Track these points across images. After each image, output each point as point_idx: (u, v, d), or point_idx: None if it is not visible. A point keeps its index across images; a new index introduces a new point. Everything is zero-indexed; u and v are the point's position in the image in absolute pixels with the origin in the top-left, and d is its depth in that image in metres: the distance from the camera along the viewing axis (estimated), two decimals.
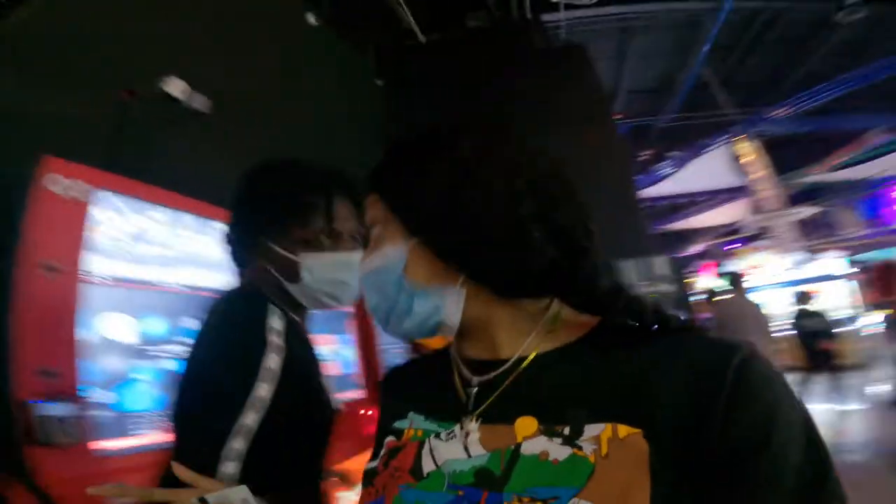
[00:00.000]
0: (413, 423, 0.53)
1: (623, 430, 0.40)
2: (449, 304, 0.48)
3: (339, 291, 0.88)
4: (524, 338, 0.49)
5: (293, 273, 0.85)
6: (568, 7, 4.70)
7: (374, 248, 0.52)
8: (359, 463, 2.03)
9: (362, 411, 2.27)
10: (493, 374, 0.49)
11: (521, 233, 0.44)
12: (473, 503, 0.42)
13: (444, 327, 0.49)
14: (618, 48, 9.81)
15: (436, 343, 0.59)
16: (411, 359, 0.64)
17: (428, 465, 0.47)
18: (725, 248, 17.30)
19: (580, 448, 0.40)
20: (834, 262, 9.60)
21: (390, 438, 0.53)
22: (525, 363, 0.48)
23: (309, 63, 2.90)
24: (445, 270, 0.47)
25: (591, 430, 0.41)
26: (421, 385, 0.58)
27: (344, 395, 2.23)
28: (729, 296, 4.58)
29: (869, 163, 14.15)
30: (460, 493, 0.43)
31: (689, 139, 13.99)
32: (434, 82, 4.09)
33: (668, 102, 12.39)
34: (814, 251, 11.41)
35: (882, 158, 13.74)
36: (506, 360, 0.49)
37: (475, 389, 0.50)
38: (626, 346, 0.45)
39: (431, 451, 0.48)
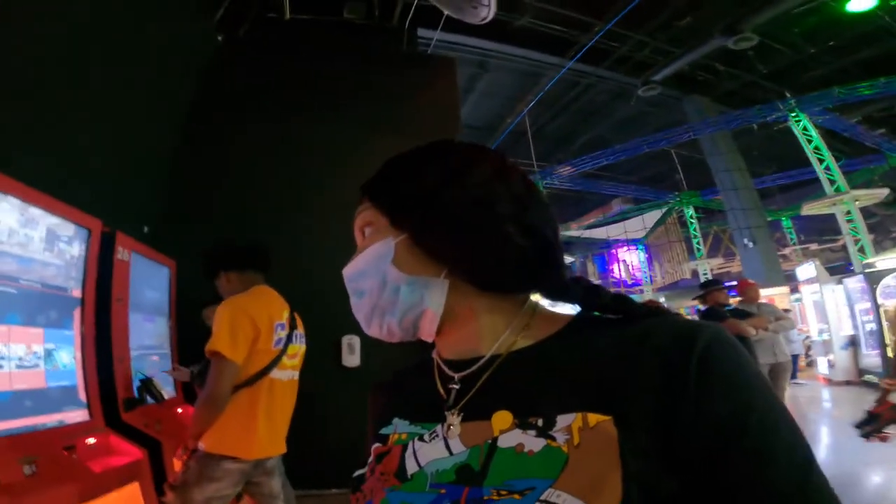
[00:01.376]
0: (397, 428, 0.53)
1: (593, 418, 0.40)
2: (433, 293, 0.50)
3: None
4: (502, 331, 0.51)
5: None
6: (446, 28, 4.80)
7: (361, 249, 0.54)
8: None
9: (89, 441, 1.72)
10: (471, 369, 0.50)
11: (497, 229, 0.48)
12: (455, 500, 0.42)
13: (427, 317, 0.51)
14: (468, 80, 10.56)
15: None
16: (396, 371, 0.64)
17: (412, 467, 0.48)
18: None
19: (553, 439, 0.41)
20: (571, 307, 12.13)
21: (376, 445, 0.53)
22: (501, 359, 0.49)
23: None
24: (430, 263, 0.50)
25: (563, 420, 0.41)
26: (404, 392, 0.59)
27: (54, 417, 1.65)
28: None
29: (613, 225, 18.73)
30: (442, 491, 0.44)
31: None
32: (284, 57, 3.71)
33: (489, 142, 13.92)
34: None
35: (622, 223, 18.40)
36: (483, 357, 0.50)
37: (456, 387, 0.51)
38: (596, 336, 0.47)
39: (415, 452, 0.49)
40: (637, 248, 19.71)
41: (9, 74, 1.78)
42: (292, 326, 1.94)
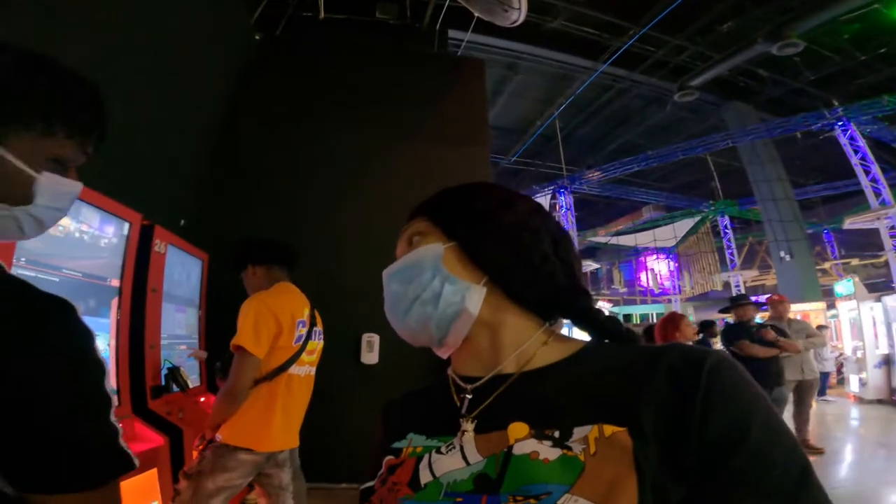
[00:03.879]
0: (412, 442, 0.55)
1: (609, 429, 0.42)
2: (473, 295, 0.54)
3: (52, 223, 0.65)
4: (522, 346, 0.54)
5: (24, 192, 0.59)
6: (476, 30, 4.81)
7: (409, 251, 0.58)
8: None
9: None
10: (485, 378, 0.53)
11: (538, 248, 0.55)
12: None
13: (462, 318, 0.54)
14: (498, 83, 10.47)
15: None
16: (408, 392, 0.66)
17: (426, 477, 0.49)
18: None
19: (570, 448, 0.43)
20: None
21: (389, 457, 0.55)
22: (515, 375, 0.52)
23: None
24: (473, 270, 0.55)
25: (579, 431, 0.43)
26: (420, 409, 0.61)
27: None
28: None
29: (642, 233, 18.28)
30: (459, 500, 0.45)
31: (522, 183, 15.89)
32: (318, 57, 3.78)
33: (517, 144, 13.78)
34: None
35: (652, 231, 17.92)
36: (500, 372, 0.54)
37: (469, 396, 0.53)
38: (610, 357, 0.50)
39: (431, 464, 0.50)
40: (667, 257, 19.20)
41: None
42: (312, 323, 2.00)
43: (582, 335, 0.59)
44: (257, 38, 3.69)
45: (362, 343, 3.56)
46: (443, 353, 0.57)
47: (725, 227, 16.37)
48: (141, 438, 1.88)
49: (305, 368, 1.97)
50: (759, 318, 4.38)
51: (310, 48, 3.93)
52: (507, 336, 0.55)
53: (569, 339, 0.56)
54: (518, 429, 0.47)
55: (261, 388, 1.80)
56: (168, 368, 2.32)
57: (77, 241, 1.75)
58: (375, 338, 3.58)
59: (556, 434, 0.44)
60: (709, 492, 0.39)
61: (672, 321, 3.68)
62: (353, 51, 3.96)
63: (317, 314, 2.07)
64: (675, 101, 10.34)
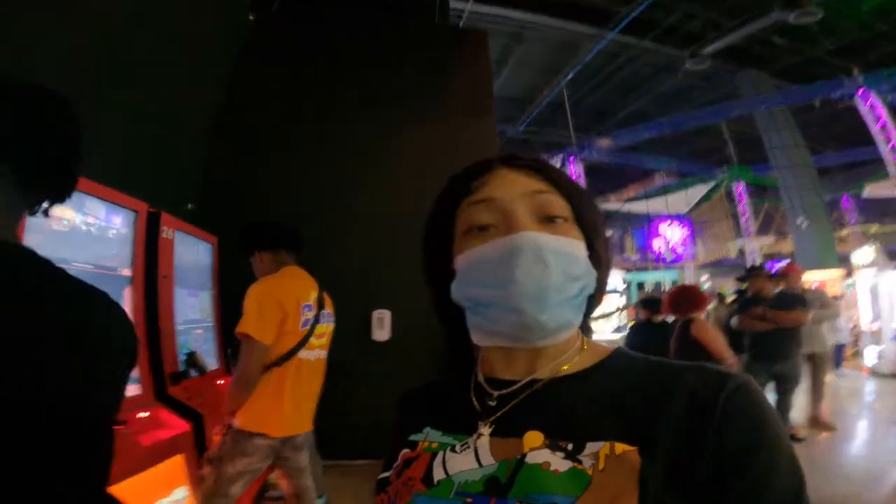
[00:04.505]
0: (429, 437, 0.55)
1: (620, 447, 0.43)
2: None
3: None
4: (565, 353, 0.54)
5: None
6: None
7: (560, 233, 0.53)
8: (132, 490, 1.71)
9: (140, 415, 1.84)
10: (518, 385, 0.53)
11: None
12: None
13: (586, 302, 0.54)
14: (501, 52, 10.18)
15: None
16: (429, 382, 0.66)
17: (438, 475, 0.50)
18: None
19: (580, 462, 0.44)
20: (614, 278, 11.72)
21: (405, 451, 0.55)
22: (542, 382, 0.52)
23: None
24: None
25: (591, 447, 0.44)
26: (440, 403, 0.60)
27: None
28: None
29: (654, 199, 18.02)
30: (469, 500, 0.46)
31: (530, 152, 15.63)
32: (315, 34, 3.68)
33: (525, 113, 13.50)
34: None
35: (664, 197, 17.69)
36: (534, 378, 0.53)
37: (493, 403, 0.53)
38: (633, 372, 0.51)
39: (444, 461, 0.51)
40: (680, 224, 18.95)
41: (55, 72, 1.86)
42: (320, 307, 2.01)
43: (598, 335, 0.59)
44: (251, 18, 3.57)
45: (373, 320, 3.59)
46: (533, 345, 0.52)
47: (741, 193, 16.00)
48: (165, 425, 1.94)
49: (315, 353, 1.99)
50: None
51: (306, 25, 3.82)
52: (561, 343, 0.53)
53: (597, 345, 0.56)
54: (533, 438, 0.48)
55: (271, 374, 1.83)
56: (186, 354, 2.36)
57: (84, 234, 1.76)
58: (386, 314, 3.61)
59: (570, 447, 0.45)
60: None
61: (686, 296, 3.64)
62: (352, 26, 3.84)
63: (326, 297, 2.08)
64: (687, 70, 9.97)
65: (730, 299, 5.66)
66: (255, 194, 3.37)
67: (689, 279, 18.09)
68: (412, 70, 3.79)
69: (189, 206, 3.00)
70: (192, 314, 2.69)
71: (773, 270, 4.65)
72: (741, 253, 16.56)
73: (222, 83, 3.38)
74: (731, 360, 3.54)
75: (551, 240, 0.50)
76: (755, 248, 15.98)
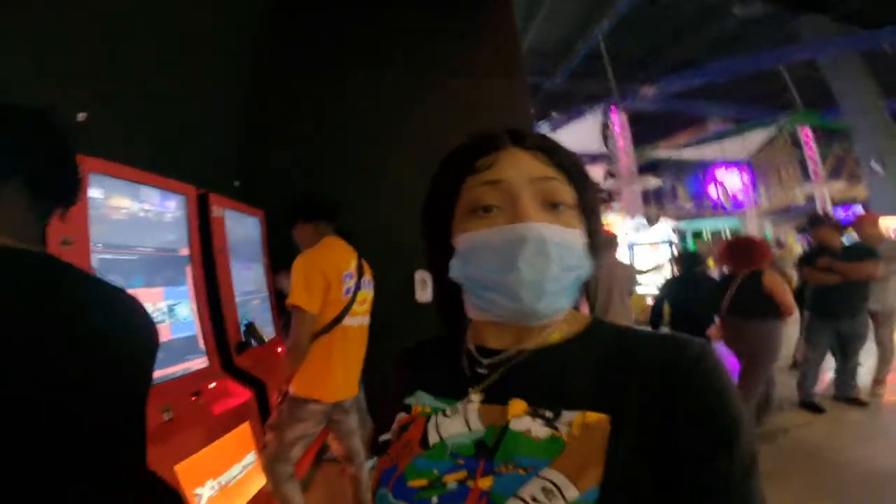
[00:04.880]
0: (420, 400, 0.59)
1: (591, 416, 0.48)
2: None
3: None
4: (547, 327, 0.55)
5: None
6: None
7: (563, 223, 0.53)
8: (209, 458, 1.86)
9: (211, 386, 1.98)
10: (507, 354, 0.55)
11: None
12: (472, 469, 0.49)
13: (581, 285, 0.56)
14: (528, 6, 9.59)
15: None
16: (421, 341, 0.68)
17: (433, 438, 0.54)
18: None
19: (557, 429, 0.48)
20: (665, 228, 11.09)
21: (402, 414, 0.59)
22: (529, 352, 0.55)
23: None
24: None
25: (567, 415, 0.49)
26: (430, 366, 0.63)
27: (181, 367, 1.90)
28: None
29: (707, 145, 16.90)
30: (461, 461, 0.50)
31: (570, 104, 14.92)
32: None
33: (560, 66, 12.76)
34: (650, 218, 13.33)
35: (719, 143, 16.56)
36: (521, 348, 0.56)
37: (483, 371, 0.56)
38: (607, 343, 0.54)
39: (437, 425, 0.54)
40: (738, 169, 17.69)
41: (91, 77, 1.93)
42: (360, 274, 2.08)
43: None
44: None
45: (416, 281, 3.64)
46: (526, 323, 0.54)
47: (807, 138, 14.67)
48: (232, 394, 2.09)
49: (358, 319, 2.08)
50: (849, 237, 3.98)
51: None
52: (550, 324, 0.56)
53: (578, 315, 0.58)
54: (517, 406, 0.51)
55: (319, 342, 1.93)
56: (245, 324, 2.52)
57: (143, 220, 1.88)
58: (428, 276, 3.65)
59: (549, 415, 0.50)
60: (672, 474, 0.45)
61: (749, 249, 3.43)
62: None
63: (364, 264, 2.15)
64: (736, 16, 8.94)
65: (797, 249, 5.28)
66: (293, 166, 3.43)
67: (751, 227, 17.11)
68: (436, 31, 3.62)
69: (235, 183, 3.11)
70: (247, 286, 2.85)
71: (846, 220, 4.26)
72: (810, 199, 15.33)
73: (247, 65, 3.38)
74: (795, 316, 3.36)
75: (555, 231, 0.52)
76: (825, 194, 14.72)
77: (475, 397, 0.55)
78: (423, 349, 0.68)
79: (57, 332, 0.67)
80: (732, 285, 3.37)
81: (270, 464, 1.91)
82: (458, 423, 0.54)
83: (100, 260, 1.61)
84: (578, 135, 14.96)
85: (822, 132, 15.04)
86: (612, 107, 13.69)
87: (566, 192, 0.54)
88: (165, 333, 1.88)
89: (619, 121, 13.90)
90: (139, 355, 0.81)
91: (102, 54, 2.00)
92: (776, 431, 3.48)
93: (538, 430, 0.49)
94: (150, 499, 0.78)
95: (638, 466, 0.46)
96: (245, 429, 2.04)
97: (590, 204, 0.57)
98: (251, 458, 2.07)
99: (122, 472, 0.74)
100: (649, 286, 9.28)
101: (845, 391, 3.95)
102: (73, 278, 0.76)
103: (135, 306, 0.83)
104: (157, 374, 1.76)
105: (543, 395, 0.51)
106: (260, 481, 2.06)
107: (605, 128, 14.93)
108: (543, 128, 14.95)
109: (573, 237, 0.54)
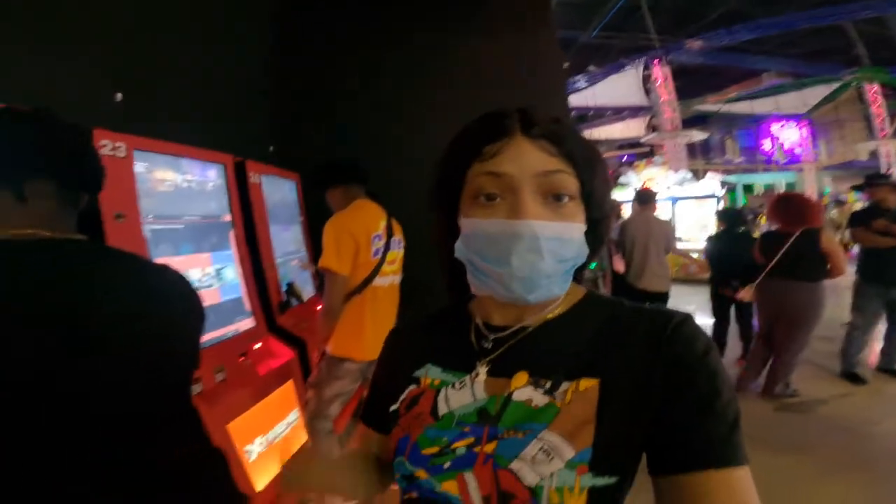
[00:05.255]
0: (430, 373, 0.63)
1: (584, 383, 0.53)
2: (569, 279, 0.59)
3: None
4: (547, 305, 0.60)
5: None
6: None
7: (563, 216, 0.55)
8: (257, 416, 1.96)
9: (256, 346, 2.08)
10: (511, 331, 0.60)
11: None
12: (478, 436, 0.54)
13: (576, 273, 0.60)
14: None
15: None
16: (424, 315, 0.72)
17: (443, 409, 0.59)
18: (624, 160, 18.65)
19: (554, 398, 0.53)
20: (712, 182, 10.51)
21: (412, 387, 0.63)
22: (532, 328, 0.60)
23: None
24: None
25: (564, 385, 0.54)
26: (438, 341, 0.67)
27: (231, 328, 2.00)
28: (638, 213, 4.12)
29: (760, 100, 15.72)
30: (466, 429, 0.55)
31: (607, 57, 14.04)
32: None
33: (596, 19, 11.96)
34: (696, 172, 12.67)
35: (773, 98, 15.39)
36: (518, 326, 0.60)
37: (489, 345, 0.60)
38: (599, 314, 0.59)
39: (447, 398, 0.59)
40: (796, 124, 16.43)
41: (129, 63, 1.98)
42: (389, 234, 2.12)
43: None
44: None
45: None
46: (523, 303, 0.57)
47: (874, 94, 13.45)
48: (276, 354, 2.22)
49: (389, 279, 2.13)
50: None
51: None
52: (556, 301, 0.61)
53: (575, 288, 0.62)
54: (519, 378, 0.57)
55: (352, 303, 2.00)
56: (287, 284, 2.64)
57: (186, 191, 1.97)
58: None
59: (548, 385, 0.55)
60: (661, 434, 0.50)
61: (802, 207, 3.26)
62: None
63: (394, 223, 2.19)
64: None
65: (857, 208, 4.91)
66: (326, 131, 3.45)
67: (808, 182, 16.13)
68: None
69: (271, 148, 3.17)
70: (288, 247, 2.94)
71: None
72: (873, 156, 14.17)
73: (276, 33, 3.35)
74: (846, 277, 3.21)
75: (550, 228, 0.54)
76: (891, 151, 13.56)
77: (482, 370, 0.59)
78: (427, 322, 0.71)
79: (103, 310, 0.75)
80: (781, 244, 3.22)
81: (311, 421, 2.03)
82: (465, 395, 0.58)
83: (151, 230, 1.71)
84: (618, 88, 14.20)
85: (891, 89, 13.77)
86: (656, 60, 12.83)
87: (570, 183, 0.55)
88: (215, 297, 2.00)
89: (661, 74, 13.05)
90: (181, 327, 0.88)
91: (141, 41, 2.05)
92: (812, 401, 3.40)
93: (538, 398, 0.54)
94: (198, 462, 0.87)
95: (628, 426, 0.50)
96: (289, 387, 2.17)
97: (595, 192, 0.58)
98: (294, 415, 2.20)
99: (171, 434, 0.83)
100: (692, 242, 9.01)
101: (888, 363, 3.80)
102: (113, 258, 0.84)
103: (177, 280, 0.89)
104: (210, 335, 1.91)
105: (543, 366, 0.56)
106: (303, 437, 2.19)
107: (647, 81, 14.08)
108: (580, 82, 14.19)
109: (571, 231, 0.55)
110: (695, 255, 7.35)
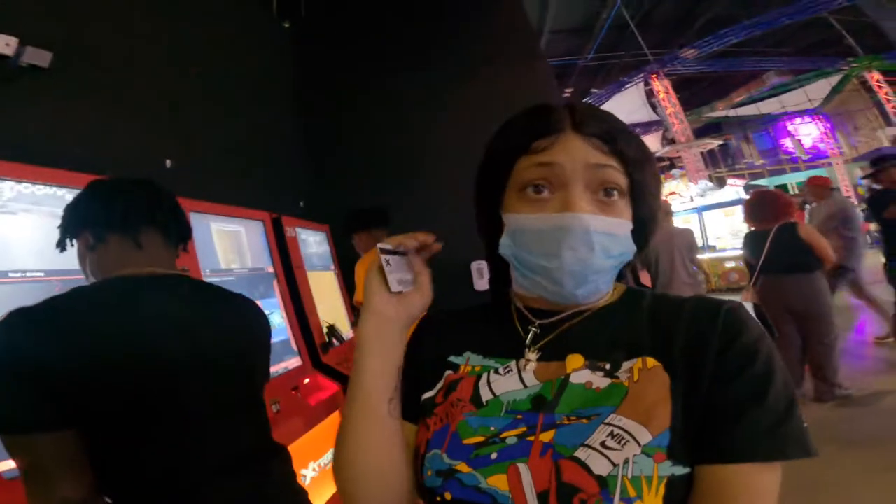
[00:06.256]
0: (470, 360, 0.60)
1: (651, 361, 0.50)
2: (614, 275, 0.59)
3: None
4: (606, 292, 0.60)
5: None
6: None
7: (612, 212, 0.55)
8: (309, 443, 2.05)
9: (305, 381, 2.23)
10: (562, 316, 0.58)
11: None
12: (531, 425, 0.50)
13: (624, 266, 0.59)
14: None
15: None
16: (450, 310, 0.70)
17: (486, 395, 0.55)
18: None
19: (618, 378, 0.50)
20: (735, 189, 10.27)
21: (449, 372, 0.60)
22: (584, 315, 0.58)
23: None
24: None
25: (626, 364, 0.51)
26: (475, 327, 0.65)
27: (281, 366, 2.18)
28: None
29: (768, 100, 15.68)
30: (519, 416, 0.51)
31: (607, 77, 14.42)
32: (349, 20, 3.74)
33: (589, 43, 12.47)
34: (717, 179, 12.57)
35: (777, 98, 15.36)
36: (565, 310, 0.58)
37: (536, 330, 0.58)
38: (648, 303, 0.58)
39: (489, 383, 0.56)
40: (812, 120, 16.22)
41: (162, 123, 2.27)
42: None
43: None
44: (286, 25, 3.70)
45: (473, 271, 3.77)
46: (571, 300, 0.57)
47: (877, 82, 13.38)
48: (324, 388, 2.36)
49: None
50: None
51: (337, 17, 3.88)
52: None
53: (617, 284, 0.62)
54: (574, 360, 0.54)
55: None
56: (328, 327, 2.80)
57: (234, 246, 2.19)
58: (484, 264, 3.76)
59: (608, 367, 0.52)
60: (714, 416, 0.47)
61: (766, 203, 3.30)
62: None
63: None
64: None
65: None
66: (349, 178, 3.70)
67: (840, 175, 15.72)
68: (458, 27, 3.72)
69: (301, 204, 3.43)
70: (325, 292, 3.13)
71: None
72: (895, 140, 13.84)
73: (283, 94, 3.65)
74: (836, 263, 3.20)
75: (601, 222, 0.53)
76: None
77: (532, 356, 0.56)
78: (461, 314, 0.69)
79: (204, 327, 1.01)
80: (763, 242, 3.25)
81: None
82: (512, 381, 0.55)
83: (209, 282, 1.92)
84: (623, 106, 14.44)
85: (893, 74, 13.69)
86: (653, 75, 13.12)
87: (619, 179, 0.55)
88: None
89: (661, 87, 13.28)
90: (260, 340, 1.18)
91: (182, 111, 2.35)
92: (870, 395, 3.27)
93: (598, 381, 0.50)
94: (273, 451, 1.13)
95: (687, 412, 0.47)
96: (335, 417, 2.30)
97: (645, 190, 0.57)
98: None
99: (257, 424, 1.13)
100: (727, 249, 8.81)
101: None
102: (210, 290, 1.12)
103: (253, 306, 1.17)
104: None
105: (599, 350, 0.54)
106: None
107: (651, 95, 14.31)
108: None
109: (619, 227, 0.55)
110: (731, 265, 7.15)
